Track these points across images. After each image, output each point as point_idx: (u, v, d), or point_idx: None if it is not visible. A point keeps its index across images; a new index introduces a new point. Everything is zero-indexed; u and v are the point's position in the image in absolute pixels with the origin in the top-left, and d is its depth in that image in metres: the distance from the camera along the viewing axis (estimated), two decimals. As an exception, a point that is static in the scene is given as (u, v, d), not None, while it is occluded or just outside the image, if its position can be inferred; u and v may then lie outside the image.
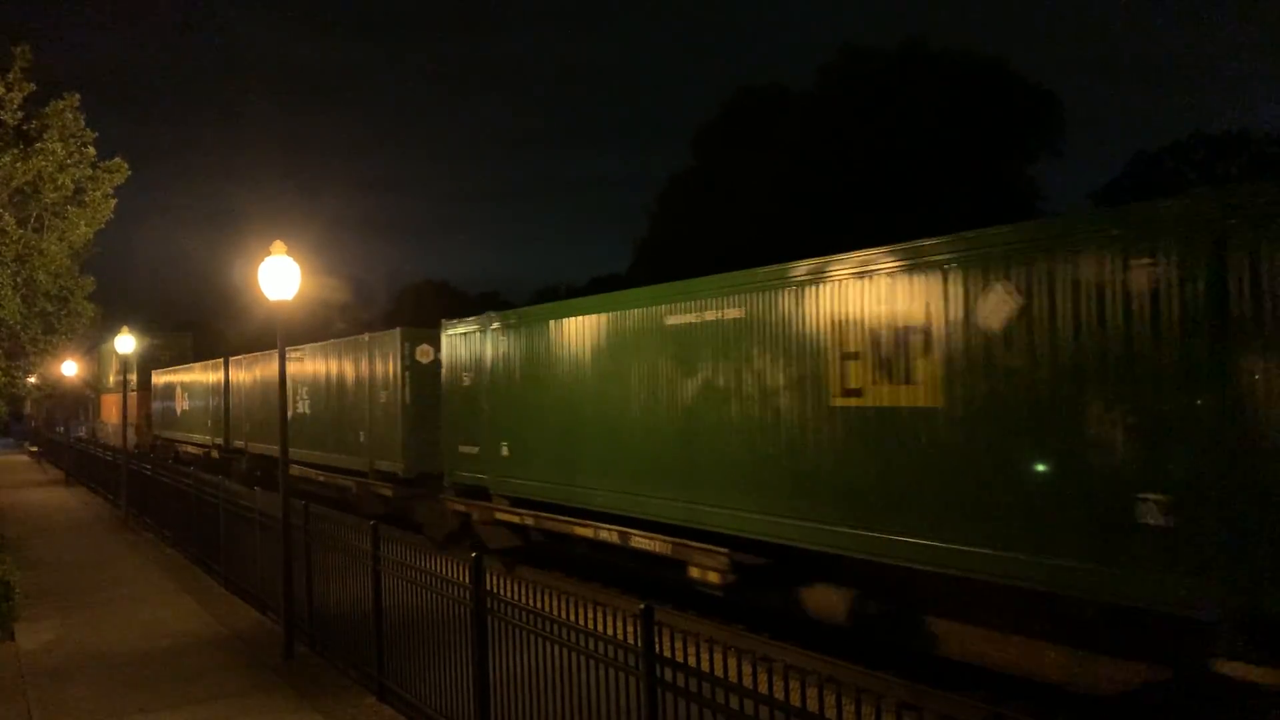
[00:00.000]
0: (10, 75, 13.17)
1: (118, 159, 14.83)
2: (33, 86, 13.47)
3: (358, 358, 19.41)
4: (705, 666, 4.75)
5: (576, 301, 13.44)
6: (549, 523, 13.25)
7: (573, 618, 5.74)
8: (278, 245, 10.26)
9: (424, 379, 17.21)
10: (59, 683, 9.46)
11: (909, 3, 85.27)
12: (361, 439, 19.03)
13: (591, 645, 5.57)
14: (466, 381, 15.23)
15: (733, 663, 4.64)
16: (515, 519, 14.03)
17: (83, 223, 14.67)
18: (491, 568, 6.88)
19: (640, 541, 11.51)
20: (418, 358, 17.38)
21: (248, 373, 26.87)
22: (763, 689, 4.45)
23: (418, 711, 7.92)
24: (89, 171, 14.36)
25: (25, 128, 13.53)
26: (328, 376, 21.03)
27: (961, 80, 35.00)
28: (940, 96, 34.24)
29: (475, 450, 14.92)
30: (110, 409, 43.47)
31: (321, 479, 21.20)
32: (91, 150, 14.23)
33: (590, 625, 5.60)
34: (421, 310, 40.82)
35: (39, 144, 13.38)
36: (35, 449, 46.90)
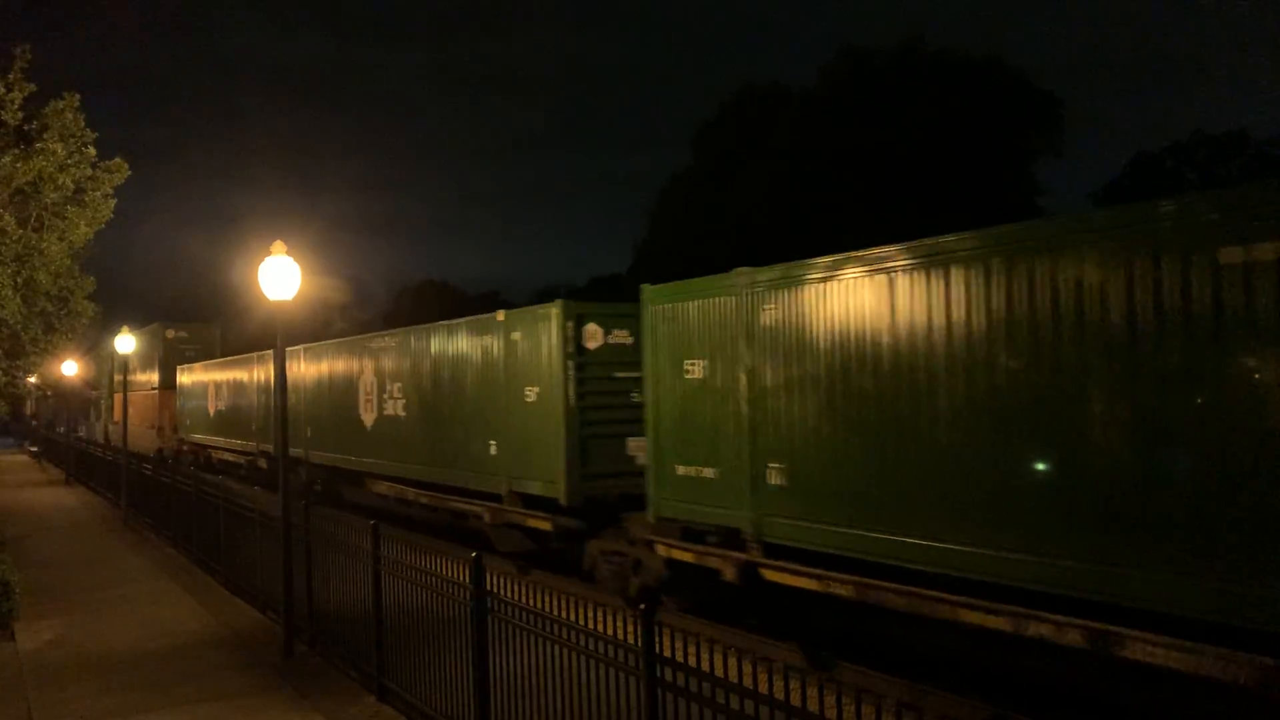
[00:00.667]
0: (10, 75, 13.19)
1: (118, 159, 14.86)
2: (33, 86, 13.48)
3: (484, 344, 14.97)
4: (705, 666, 4.76)
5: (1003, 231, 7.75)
6: (887, 596, 8.38)
7: (573, 617, 5.75)
8: (278, 245, 10.27)
9: (592, 371, 13.19)
10: (59, 682, 9.46)
11: (909, 3, 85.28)
12: (493, 451, 14.55)
13: (592, 645, 5.57)
14: (695, 373, 10.81)
15: (733, 663, 4.65)
16: (815, 585, 9.18)
17: (83, 223, 14.69)
18: (491, 567, 6.88)
19: (1165, 656, 6.42)
20: (584, 342, 13.20)
21: (310, 367, 21.97)
22: (763, 689, 4.46)
23: (418, 711, 7.91)
24: (89, 171, 14.38)
25: (26, 128, 13.55)
26: (435, 369, 16.51)
27: (961, 80, 35.04)
28: (940, 96, 34.28)
29: (710, 473, 10.48)
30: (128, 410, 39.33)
31: (425, 500, 16.91)
32: (92, 150, 14.25)
33: (591, 625, 5.61)
34: (421, 310, 40.59)
35: (39, 144, 13.40)
36: (35, 449, 46.85)
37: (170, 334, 35.82)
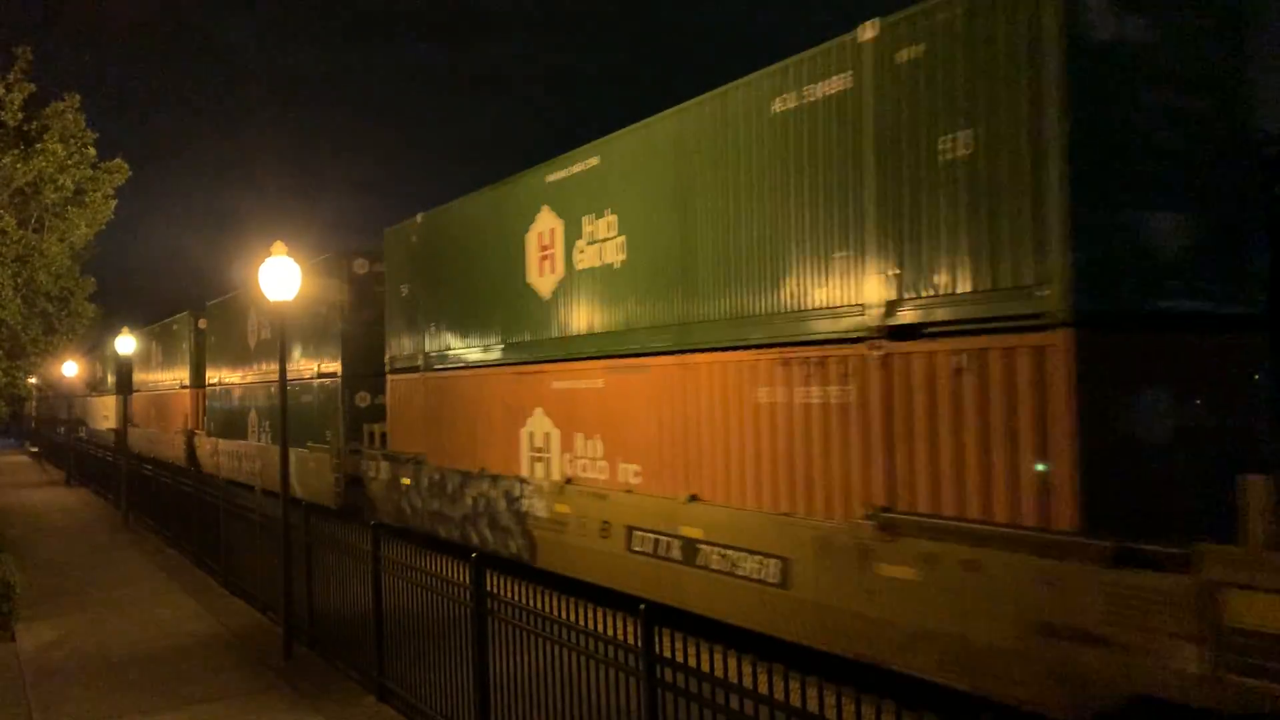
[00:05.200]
0: (11, 76, 13.19)
1: (118, 160, 14.86)
2: (33, 87, 13.49)
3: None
4: (705, 666, 4.76)
5: None
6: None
7: (573, 618, 5.75)
8: (278, 246, 10.29)
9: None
10: (59, 683, 9.46)
11: (908, 3, 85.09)
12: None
13: (592, 646, 5.57)
14: None
15: (733, 663, 4.65)
16: None
17: (83, 223, 14.69)
18: (491, 569, 6.88)
19: None
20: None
21: None
22: (763, 689, 4.46)
23: (418, 712, 7.92)
24: (89, 172, 14.38)
25: (26, 128, 13.55)
26: None
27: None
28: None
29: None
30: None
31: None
32: (92, 151, 14.26)
33: (590, 626, 5.61)
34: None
35: (39, 145, 13.40)
36: (35, 449, 46.79)
37: None
